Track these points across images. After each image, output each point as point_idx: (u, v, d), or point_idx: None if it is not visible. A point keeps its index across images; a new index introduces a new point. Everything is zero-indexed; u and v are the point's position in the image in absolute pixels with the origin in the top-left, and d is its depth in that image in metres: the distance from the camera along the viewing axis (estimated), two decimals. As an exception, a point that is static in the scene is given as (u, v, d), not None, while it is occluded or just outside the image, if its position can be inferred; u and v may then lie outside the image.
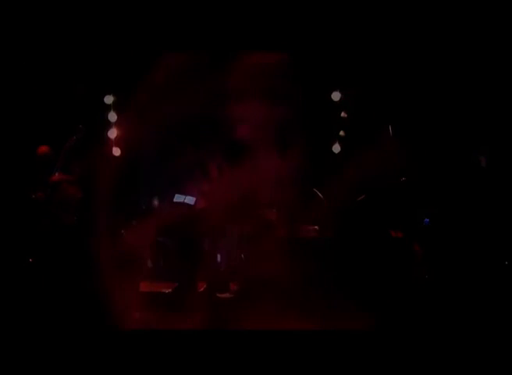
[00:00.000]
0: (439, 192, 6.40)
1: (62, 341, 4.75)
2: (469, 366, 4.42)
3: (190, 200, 6.83)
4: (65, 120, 6.88)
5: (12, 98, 6.52)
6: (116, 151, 7.80)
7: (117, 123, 7.79)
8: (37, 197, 5.80)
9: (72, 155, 6.13)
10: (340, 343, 4.73)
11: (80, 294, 5.52)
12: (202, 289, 5.89)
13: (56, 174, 5.96)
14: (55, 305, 5.46)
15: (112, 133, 7.79)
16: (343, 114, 7.94)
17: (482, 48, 6.73)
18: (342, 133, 7.96)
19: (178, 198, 6.83)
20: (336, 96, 7.94)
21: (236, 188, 6.10)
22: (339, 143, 7.99)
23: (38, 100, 6.90)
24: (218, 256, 6.23)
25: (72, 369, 4.44)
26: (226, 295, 5.93)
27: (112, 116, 7.83)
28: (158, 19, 6.73)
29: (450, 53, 6.95)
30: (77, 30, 6.58)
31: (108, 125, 7.74)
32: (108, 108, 7.80)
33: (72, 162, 6.11)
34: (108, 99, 7.83)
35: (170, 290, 5.83)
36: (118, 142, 7.79)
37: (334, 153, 8.01)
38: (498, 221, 5.95)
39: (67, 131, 6.43)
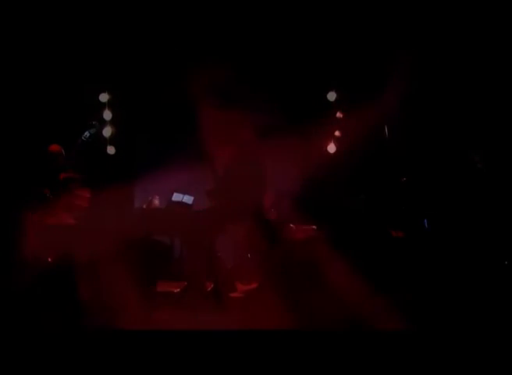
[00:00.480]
0: (437, 192, 6.45)
1: (66, 341, 4.71)
2: (470, 365, 4.44)
3: (188, 199, 6.79)
4: (75, 119, 6.84)
5: (21, 97, 6.46)
6: (111, 150, 7.75)
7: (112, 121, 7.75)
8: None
9: (84, 152, 6.07)
10: (341, 343, 4.74)
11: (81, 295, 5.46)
12: (210, 288, 5.87)
13: (66, 172, 5.88)
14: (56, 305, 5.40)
15: (107, 132, 7.74)
16: (338, 114, 7.96)
17: (480, 49, 6.80)
18: (337, 133, 7.98)
19: (176, 197, 6.78)
20: (331, 96, 7.98)
21: (239, 188, 6.08)
22: (334, 143, 8.01)
23: (47, 99, 6.86)
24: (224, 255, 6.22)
25: (80, 370, 4.40)
26: (235, 295, 5.91)
27: (107, 115, 7.77)
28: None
29: (447, 54, 7.02)
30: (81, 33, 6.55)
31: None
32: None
33: (83, 159, 6.04)
34: (103, 97, 7.77)
35: (179, 289, 5.81)
36: (113, 140, 7.75)
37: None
38: (497, 221, 6.01)
39: (76, 129, 6.37)
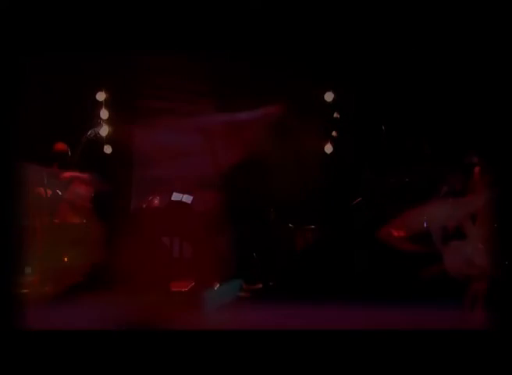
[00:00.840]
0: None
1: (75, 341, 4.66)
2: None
3: (187, 198, 6.79)
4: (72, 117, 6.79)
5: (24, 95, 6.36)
6: (108, 149, 7.71)
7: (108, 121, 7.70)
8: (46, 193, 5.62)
9: (88, 150, 6.01)
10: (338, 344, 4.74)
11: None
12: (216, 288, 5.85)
13: (69, 171, 5.81)
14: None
15: (104, 131, 7.68)
16: (335, 115, 7.98)
17: (476, 49, 6.84)
18: (334, 133, 8.01)
19: (176, 196, 6.78)
20: (329, 96, 8.00)
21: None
22: (331, 143, 8.04)
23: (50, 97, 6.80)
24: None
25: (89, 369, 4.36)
26: (243, 294, 5.91)
27: (104, 113, 7.71)
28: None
29: (444, 55, 7.07)
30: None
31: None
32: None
33: (87, 157, 5.98)
34: (100, 96, 7.72)
35: (186, 288, 5.78)
36: (109, 140, 7.70)
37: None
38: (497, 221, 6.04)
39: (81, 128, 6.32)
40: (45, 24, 6.57)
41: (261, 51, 7.46)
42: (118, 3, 6.84)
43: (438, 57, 7.01)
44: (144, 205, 6.79)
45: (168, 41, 7.19)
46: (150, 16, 7.14)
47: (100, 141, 6.65)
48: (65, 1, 6.56)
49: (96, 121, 6.48)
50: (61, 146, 6.00)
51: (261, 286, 5.98)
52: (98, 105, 7.63)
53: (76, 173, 5.83)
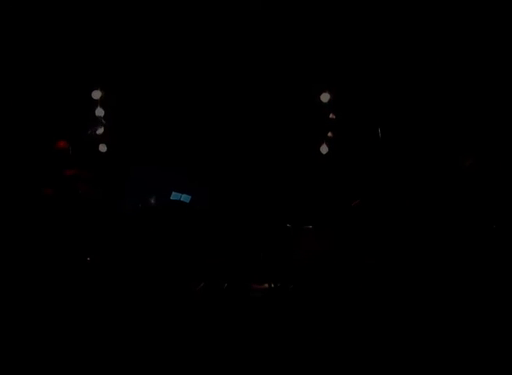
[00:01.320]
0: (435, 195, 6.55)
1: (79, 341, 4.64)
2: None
3: (186, 198, 6.79)
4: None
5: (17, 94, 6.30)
6: (102, 148, 7.63)
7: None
8: (46, 193, 5.54)
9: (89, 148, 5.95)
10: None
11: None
12: (224, 288, 5.85)
13: (72, 169, 5.73)
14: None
15: (101, 130, 7.59)
16: (331, 115, 7.99)
17: (471, 49, 6.92)
18: (330, 134, 8.03)
19: (175, 196, 6.77)
20: (324, 97, 8.00)
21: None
22: (326, 144, 8.05)
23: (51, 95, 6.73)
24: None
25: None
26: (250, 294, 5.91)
27: (100, 112, 7.63)
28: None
29: (440, 56, 7.13)
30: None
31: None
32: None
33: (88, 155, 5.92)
34: (96, 94, 7.64)
35: (196, 289, 5.77)
36: (104, 138, 7.63)
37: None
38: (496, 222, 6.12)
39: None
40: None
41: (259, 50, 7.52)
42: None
43: (436, 58, 7.10)
44: (140, 205, 6.76)
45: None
46: (149, 19, 7.20)
47: (98, 140, 6.59)
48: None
49: (96, 120, 6.42)
50: (63, 144, 5.93)
51: (267, 286, 5.99)
52: (95, 103, 7.57)
53: (79, 171, 5.78)
